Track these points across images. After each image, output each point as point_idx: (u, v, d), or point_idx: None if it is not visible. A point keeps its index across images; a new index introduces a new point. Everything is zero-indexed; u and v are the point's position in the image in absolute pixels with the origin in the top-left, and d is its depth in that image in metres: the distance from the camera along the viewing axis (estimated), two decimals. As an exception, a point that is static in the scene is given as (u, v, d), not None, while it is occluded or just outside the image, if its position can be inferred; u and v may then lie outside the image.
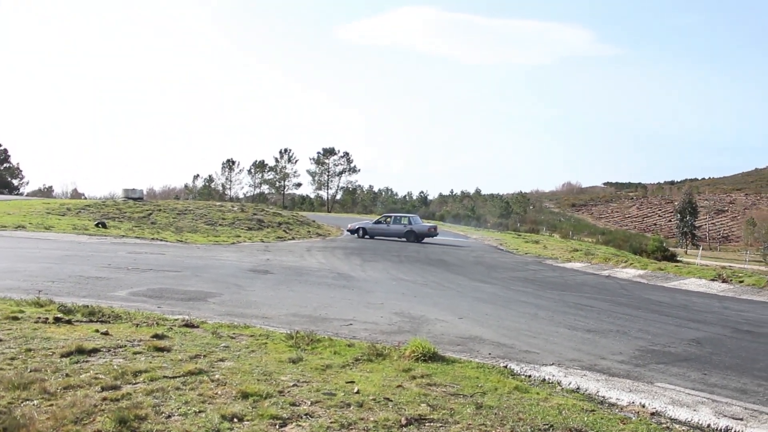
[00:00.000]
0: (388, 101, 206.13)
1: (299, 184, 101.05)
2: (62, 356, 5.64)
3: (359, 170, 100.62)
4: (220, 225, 30.76)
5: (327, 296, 11.64)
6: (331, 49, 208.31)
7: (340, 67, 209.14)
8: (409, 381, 5.61)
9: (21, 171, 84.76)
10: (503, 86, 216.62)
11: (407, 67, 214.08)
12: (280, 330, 7.75)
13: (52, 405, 4.33)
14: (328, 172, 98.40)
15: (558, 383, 6.21)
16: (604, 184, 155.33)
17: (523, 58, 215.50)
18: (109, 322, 7.46)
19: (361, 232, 32.90)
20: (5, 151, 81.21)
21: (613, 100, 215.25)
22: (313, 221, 38.80)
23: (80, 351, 5.82)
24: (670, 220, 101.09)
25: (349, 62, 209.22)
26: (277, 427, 4.23)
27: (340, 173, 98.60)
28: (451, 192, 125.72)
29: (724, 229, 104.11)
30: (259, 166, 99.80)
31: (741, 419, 5.25)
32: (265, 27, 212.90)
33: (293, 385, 5.20)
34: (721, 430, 5.01)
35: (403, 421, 4.45)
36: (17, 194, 73.27)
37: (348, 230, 34.20)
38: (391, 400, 4.95)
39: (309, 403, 4.76)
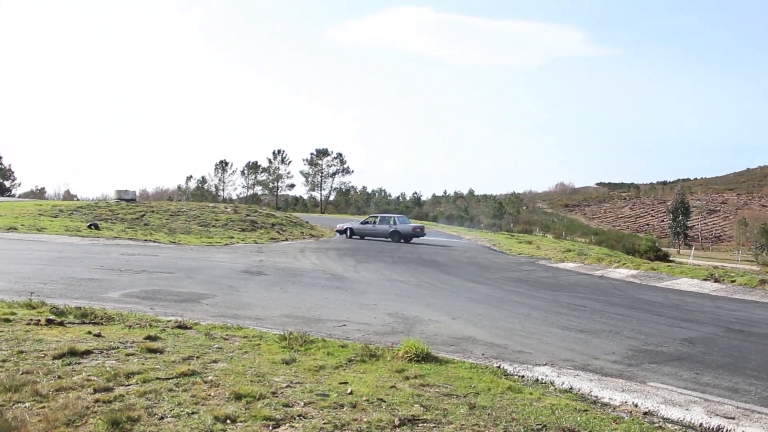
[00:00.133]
0: (381, 102, 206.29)
1: (292, 185, 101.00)
2: (54, 358, 5.62)
3: (352, 171, 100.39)
4: (213, 226, 30.69)
5: (320, 297, 11.63)
6: (324, 50, 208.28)
7: (333, 68, 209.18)
8: (402, 382, 5.61)
9: (13, 172, 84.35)
10: (496, 87, 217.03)
11: (400, 67, 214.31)
12: (273, 331, 7.74)
13: (44, 407, 4.31)
14: (322, 173, 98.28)
15: (551, 383, 6.22)
16: (597, 184, 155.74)
17: (516, 59, 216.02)
18: (102, 324, 7.43)
19: (348, 232, 33.27)
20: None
21: (606, 101, 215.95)
22: (307, 222, 38.75)
23: (72, 353, 5.80)
24: (662, 220, 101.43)
25: (342, 63, 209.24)
26: (271, 428, 4.23)
27: (334, 174, 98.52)
28: (445, 193, 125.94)
29: (717, 229, 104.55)
30: (253, 167, 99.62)
31: (733, 418, 5.28)
32: (258, 27, 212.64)
33: (286, 386, 5.20)
34: (713, 429, 5.04)
35: (397, 422, 4.45)
36: (9, 196, 72.92)
37: (336, 230, 34.49)
38: (385, 401, 4.95)
39: (302, 404, 4.76)
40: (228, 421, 4.25)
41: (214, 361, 5.94)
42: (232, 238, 27.32)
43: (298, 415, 4.48)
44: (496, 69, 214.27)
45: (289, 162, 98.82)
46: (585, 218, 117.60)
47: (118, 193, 41.86)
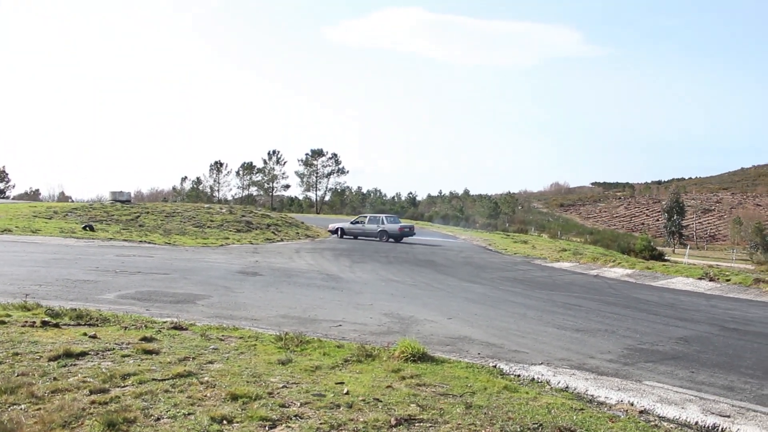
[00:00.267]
0: (377, 102, 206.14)
1: (288, 186, 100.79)
2: (50, 360, 5.60)
3: (348, 171, 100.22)
4: (208, 227, 30.65)
5: (316, 297, 11.63)
6: (319, 51, 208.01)
7: (327, 69, 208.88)
8: (398, 381, 5.61)
9: (7, 174, 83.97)
10: (492, 87, 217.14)
11: (396, 67, 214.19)
12: (269, 332, 7.74)
13: (40, 409, 4.30)
14: (317, 173, 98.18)
15: (547, 382, 6.23)
16: (592, 184, 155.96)
17: (511, 59, 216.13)
18: (97, 325, 7.41)
19: (339, 232, 33.95)
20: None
21: (602, 101, 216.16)
22: (302, 223, 38.74)
23: (68, 354, 5.78)
24: (657, 220, 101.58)
25: (337, 63, 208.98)
26: (267, 428, 4.22)
27: (329, 175, 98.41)
28: (440, 193, 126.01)
29: (711, 228, 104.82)
30: (248, 167, 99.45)
31: (728, 416, 5.30)
32: (252, 27, 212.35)
33: (283, 387, 5.19)
34: (708, 427, 5.06)
35: (393, 422, 4.46)
36: (3, 198, 72.67)
37: (329, 230, 35.11)
38: (381, 401, 4.96)
39: (298, 404, 4.75)
40: (224, 422, 4.25)
41: (210, 362, 5.94)
42: (228, 238, 27.29)
43: (295, 416, 4.48)
44: (492, 69, 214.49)
45: (284, 162, 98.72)
46: (580, 218, 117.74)
47: (112, 195, 41.74)
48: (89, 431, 3.96)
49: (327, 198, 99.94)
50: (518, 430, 4.49)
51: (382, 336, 8.17)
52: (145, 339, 6.69)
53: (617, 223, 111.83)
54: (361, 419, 4.48)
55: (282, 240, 29.66)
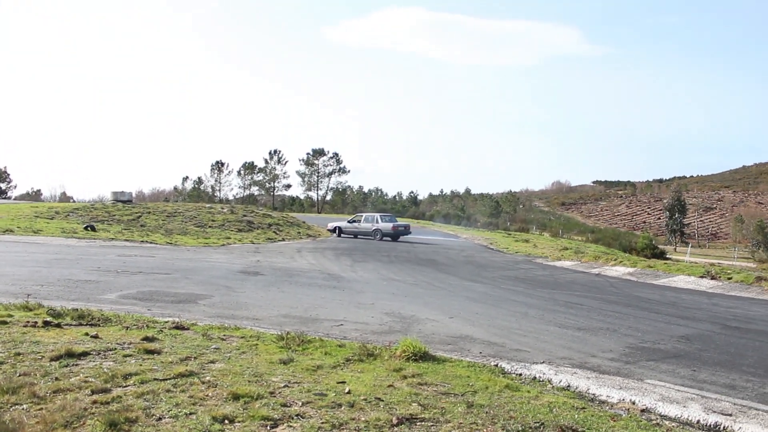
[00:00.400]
0: (376, 102, 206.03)
1: (289, 186, 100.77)
2: (52, 360, 5.61)
3: (349, 171, 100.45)
4: (209, 227, 30.66)
5: (317, 297, 11.63)
6: (319, 51, 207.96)
7: (328, 68, 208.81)
8: (400, 381, 5.61)
9: (8, 175, 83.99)
10: (491, 87, 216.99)
11: (396, 67, 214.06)
12: (270, 331, 7.74)
13: (41, 409, 4.30)
14: (318, 173, 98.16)
15: (548, 381, 6.23)
16: (594, 182, 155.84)
17: (512, 58, 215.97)
18: (99, 325, 7.42)
19: (337, 231, 34.44)
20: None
21: (603, 100, 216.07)
22: (303, 222, 38.75)
23: (70, 354, 5.78)
24: (659, 218, 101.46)
25: (337, 63, 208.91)
26: (269, 428, 4.23)
27: (330, 174, 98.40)
28: (441, 192, 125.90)
29: (713, 227, 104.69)
30: (249, 167, 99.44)
31: (730, 415, 5.29)
32: (252, 27, 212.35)
33: (284, 386, 5.20)
34: (710, 425, 5.05)
35: (395, 421, 4.46)
36: (5, 198, 72.73)
37: (328, 229, 35.59)
38: (383, 400, 4.96)
39: (300, 403, 4.76)
40: (226, 422, 4.25)
41: (212, 362, 5.94)
42: (229, 238, 27.30)
43: (296, 415, 4.48)
44: (492, 68, 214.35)
45: (286, 162, 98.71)
46: (581, 216, 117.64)
47: (114, 195, 41.77)
48: (91, 431, 3.96)
49: (328, 197, 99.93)
50: (520, 429, 4.49)
51: (384, 335, 8.17)
52: (146, 339, 6.70)
53: (619, 221, 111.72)
54: (363, 418, 4.48)
55: (283, 239, 29.67)
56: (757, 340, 9.24)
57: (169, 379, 5.20)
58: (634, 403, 5.52)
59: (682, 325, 10.24)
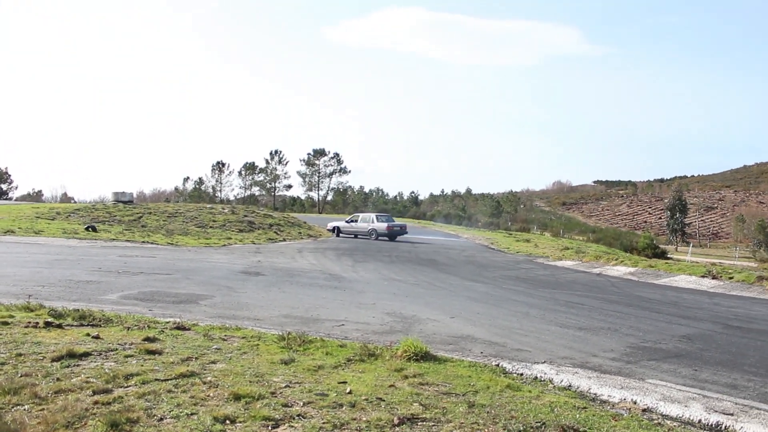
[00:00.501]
0: (377, 102, 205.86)
1: (290, 186, 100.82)
2: (53, 360, 5.61)
3: (350, 171, 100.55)
4: (210, 227, 30.68)
5: (319, 297, 11.64)
6: (320, 51, 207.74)
7: (328, 68, 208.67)
8: (401, 381, 5.61)
9: (10, 176, 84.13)
10: (492, 87, 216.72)
11: (395, 68, 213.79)
12: (271, 331, 7.74)
13: (43, 409, 4.31)
14: (319, 173, 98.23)
15: (550, 381, 6.23)
16: (594, 182, 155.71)
17: (512, 58, 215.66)
18: (100, 326, 7.43)
19: (336, 230, 34.83)
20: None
21: (603, 99, 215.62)
22: (304, 222, 38.77)
23: (71, 355, 5.79)
24: (660, 218, 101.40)
25: (338, 63, 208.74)
26: (270, 428, 4.23)
27: (331, 174, 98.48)
28: (442, 192, 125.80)
29: (714, 226, 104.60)
30: (250, 167, 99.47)
31: (731, 414, 5.29)
32: (252, 28, 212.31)
33: (285, 386, 5.20)
34: (711, 425, 5.05)
35: (396, 421, 4.46)
36: (6, 199, 72.82)
37: (327, 229, 35.99)
38: (384, 400, 4.96)
39: (301, 403, 4.76)
40: (227, 422, 4.25)
41: (213, 362, 5.94)
42: (230, 238, 27.32)
43: (298, 415, 4.48)
44: (492, 68, 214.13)
45: (286, 162, 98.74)
46: (582, 216, 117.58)
47: (115, 195, 41.78)
48: (92, 431, 3.96)
49: (329, 198, 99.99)
50: (521, 429, 4.49)
51: (385, 335, 8.17)
52: (147, 339, 6.70)
53: (620, 221, 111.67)
54: (364, 418, 4.48)
55: (284, 240, 29.68)
56: (758, 340, 9.24)
57: (171, 379, 5.20)
58: (635, 403, 5.52)
59: (683, 325, 10.23)
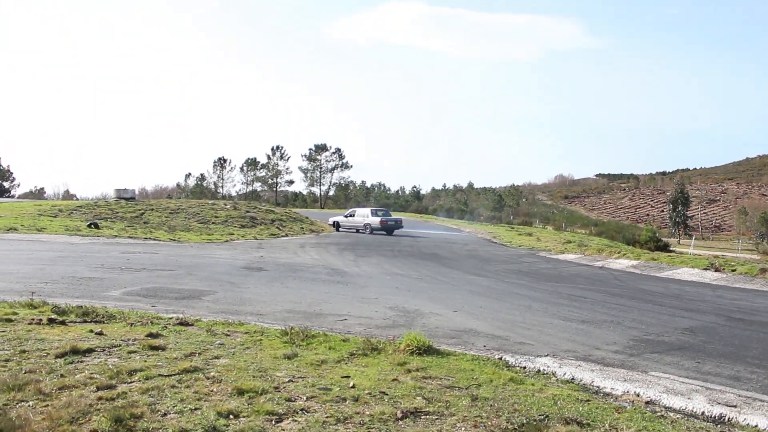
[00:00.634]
0: (379, 97, 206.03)
1: (292, 181, 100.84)
2: (57, 357, 5.63)
3: (351, 166, 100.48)
4: (213, 223, 30.68)
5: (321, 292, 11.64)
6: (320, 46, 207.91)
7: (329, 64, 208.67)
8: (404, 374, 5.62)
9: (12, 173, 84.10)
10: (494, 81, 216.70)
11: (397, 62, 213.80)
12: (274, 326, 7.75)
13: (47, 406, 4.32)
14: (321, 168, 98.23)
15: (553, 374, 6.23)
16: (597, 175, 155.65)
17: (515, 52, 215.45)
18: (104, 322, 7.44)
19: (336, 225, 35.59)
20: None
21: (605, 92, 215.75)
22: (306, 218, 38.76)
23: (75, 351, 5.80)
24: (662, 211, 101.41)
25: (338, 59, 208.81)
26: (273, 422, 4.23)
27: (333, 169, 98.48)
28: (444, 186, 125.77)
29: (717, 219, 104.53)
30: (251, 163, 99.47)
31: (735, 406, 5.29)
32: (253, 24, 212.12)
33: (289, 381, 5.21)
34: (715, 417, 5.05)
35: (399, 415, 4.46)
36: (8, 197, 72.87)
37: (329, 224, 36.62)
38: (387, 394, 4.96)
39: (305, 398, 4.77)
40: (231, 417, 4.26)
41: (216, 357, 5.95)
42: (232, 234, 27.32)
43: (301, 410, 4.49)
44: (495, 62, 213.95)
45: (288, 158, 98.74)
46: (585, 209, 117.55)
47: (117, 192, 41.81)
48: (97, 427, 3.97)
49: (331, 193, 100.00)
50: (524, 421, 4.49)
51: (388, 329, 8.18)
52: (151, 335, 6.72)
53: (622, 214, 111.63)
54: (368, 412, 4.49)
55: (286, 235, 29.68)
56: (761, 332, 9.22)
57: (174, 374, 5.21)
58: (638, 395, 5.52)
59: (686, 318, 10.22)
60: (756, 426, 4.83)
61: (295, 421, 4.27)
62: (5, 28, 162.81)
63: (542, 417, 4.61)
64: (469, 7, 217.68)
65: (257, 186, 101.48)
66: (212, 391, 4.80)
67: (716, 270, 17.60)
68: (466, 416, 4.55)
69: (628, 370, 6.51)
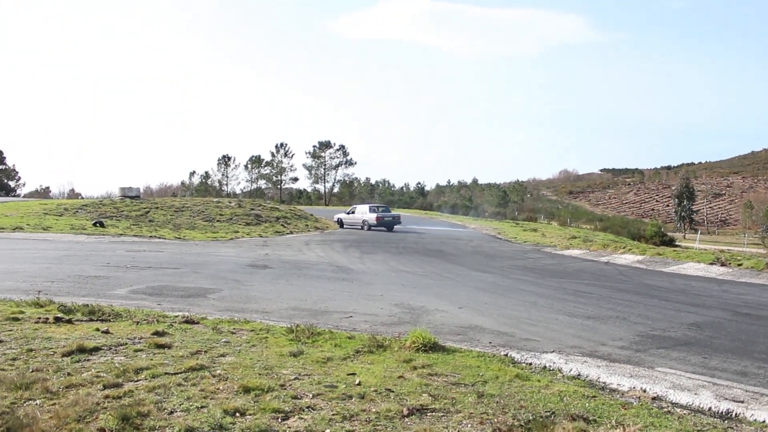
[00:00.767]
0: (383, 93, 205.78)
1: (296, 179, 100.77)
2: (63, 355, 5.65)
3: (356, 163, 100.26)
4: (217, 221, 30.74)
5: (326, 289, 11.65)
6: (324, 43, 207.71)
7: (333, 61, 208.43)
8: (410, 371, 5.62)
9: (17, 173, 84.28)
10: (497, 76, 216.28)
11: (400, 59, 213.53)
12: (280, 324, 7.76)
13: (54, 404, 4.33)
14: (325, 165, 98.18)
15: (559, 370, 6.22)
16: (601, 170, 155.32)
17: (518, 48, 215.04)
18: (110, 321, 7.46)
19: (339, 222, 35.79)
20: (0, 153, 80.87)
21: (609, 87, 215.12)
22: (311, 215, 38.80)
23: (81, 350, 5.82)
24: (667, 205, 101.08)
25: (342, 56, 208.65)
26: (279, 420, 4.24)
27: (337, 166, 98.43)
28: (449, 182, 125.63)
29: (722, 213, 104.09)
30: (256, 161, 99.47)
31: (742, 402, 5.27)
32: (256, 22, 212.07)
33: (294, 379, 5.21)
34: (722, 412, 5.03)
35: (405, 412, 4.46)
36: (14, 196, 73.09)
37: (334, 220, 36.87)
38: (393, 391, 4.96)
39: (311, 395, 4.77)
40: (237, 414, 4.27)
41: (222, 355, 5.96)
42: (237, 232, 27.36)
43: (307, 407, 4.50)
44: (497, 58, 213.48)
45: (292, 155, 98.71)
46: (589, 205, 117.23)
47: (122, 191, 41.91)
48: (104, 425, 3.98)
49: (336, 190, 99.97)
50: (530, 418, 4.48)
51: (393, 326, 8.18)
52: (157, 333, 6.73)
53: (627, 209, 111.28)
54: (374, 410, 4.49)
55: (291, 232, 29.71)
56: (768, 327, 9.19)
57: (180, 373, 5.22)
58: (645, 391, 5.50)
59: (692, 313, 10.20)
60: (764, 421, 4.81)
61: (302, 418, 4.28)
62: (5, 28, 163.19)
63: (548, 413, 4.61)
64: (471, 3, 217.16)
65: (262, 183, 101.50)
66: (218, 389, 4.81)
67: (722, 264, 17.54)
68: (472, 413, 4.55)
69: (635, 366, 6.50)
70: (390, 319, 8.80)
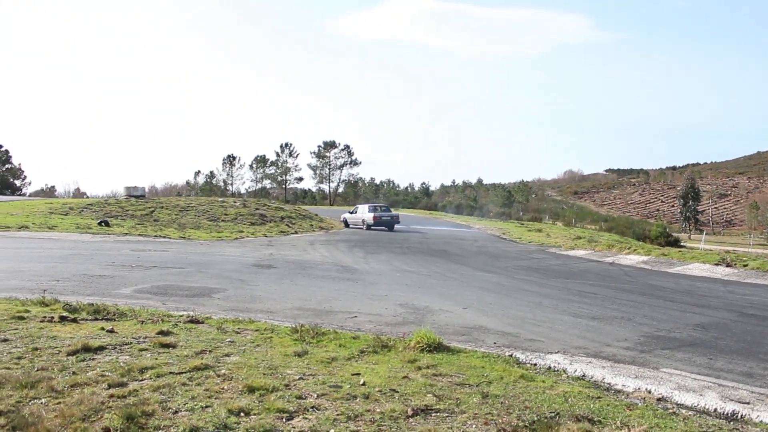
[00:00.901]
0: (383, 93, 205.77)
1: (301, 178, 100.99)
2: (69, 354, 5.66)
3: (360, 163, 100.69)
4: (222, 221, 30.78)
5: (331, 289, 11.65)
6: (328, 43, 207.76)
7: (332, 61, 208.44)
8: (414, 372, 5.61)
9: (23, 172, 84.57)
10: (500, 76, 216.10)
11: (404, 59, 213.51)
12: (284, 324, 7.77)
13: (59, 403, 4.34)
14: (330, 165, 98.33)
15: (563, 371, 6.21)
16: (606, 170, 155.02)
17: (521, 48, 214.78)
18: (115, 320, 7.48)
19: (345, 221, 36.25)
20: (6, 152, 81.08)
21: (614, 87, 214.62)
22: (316, 215, 38.84)
23: (86, 349, 5.83)
24: (672, 206, 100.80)
25: (346, 56, 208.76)
26: (284, 420, 4.24)
27: (342, 166, 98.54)
28: (453, 182, 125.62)
29: (728, 213, 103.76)
30: (260, 160, 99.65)
31: (747, 403, 5.25)
32: (260, 22, 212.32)
33: (299, 379, 5.21)
34: (727, 414, 5.01)
35: (410, 412, 4.46)
36: (20, 195, 73.34)
37: (341, 220, 37.29)
38: (397, 391, 4.96)
39: (315, 396, 4.77)
40: (241, 414, 4.27)
41: (227, 355, 5.97)
42: (242, 232, 27.40)
43: (312, 407, 4.50)
44: (500, 58, 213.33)
45: (297, 155, 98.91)
46: (594, 205, 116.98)
47: (127, 190, 41.97)
48: (108, 424, 3.99)
49: (340, 190, 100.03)
50: (535, 419, 4.47)
51: (398, 326, 8.18)
52: (161, 333, 6.74)
53: (632, 209, 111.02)
54: (378, 410, 4.48)
55: (296, 232, 29.74)
56: (774, 328, 9.16)
57: (185, 372, 5.23)
58: (650, 392, 5.49)
59: (697, 313, 10.17)
60: (769, 423, 4.79)
61: (306, 418, 4.28)
62: (5, 28, 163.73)
63: (553, 414, 4.60)
64: (471, 3, 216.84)
65: (266, 183, 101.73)
66: (223, 388, 4.82)
67: (728, 265, 17.49)
68: (476, 413, 4.54)
69: (640, 367, 6.48)
70: (394, 319, 8.80)
